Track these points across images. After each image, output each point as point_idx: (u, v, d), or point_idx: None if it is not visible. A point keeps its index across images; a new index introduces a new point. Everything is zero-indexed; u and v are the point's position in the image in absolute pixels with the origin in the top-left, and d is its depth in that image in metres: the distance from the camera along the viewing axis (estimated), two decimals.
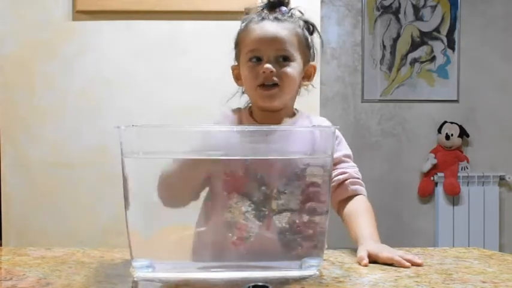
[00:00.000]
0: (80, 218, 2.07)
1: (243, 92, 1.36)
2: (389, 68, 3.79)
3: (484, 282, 0.98)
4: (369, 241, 1.16)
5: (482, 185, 3.76)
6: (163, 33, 2.08)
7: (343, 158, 1.32)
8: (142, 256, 1.01)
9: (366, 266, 1.08)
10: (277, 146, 1.01)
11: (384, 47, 3.79)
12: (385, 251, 1.11)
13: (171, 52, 2.10)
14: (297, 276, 1.01)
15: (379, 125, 3.81)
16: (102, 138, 2.05)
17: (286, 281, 0.99)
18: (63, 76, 2.07)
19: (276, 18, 1.27)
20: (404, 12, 3.80)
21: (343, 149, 1.34)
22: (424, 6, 3.81)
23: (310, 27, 1.33)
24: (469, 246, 1.32)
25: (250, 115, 1.33)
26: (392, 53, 3.80)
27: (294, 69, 1.27)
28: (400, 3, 3.79)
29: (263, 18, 1.28)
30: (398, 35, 3.80)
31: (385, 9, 3.79)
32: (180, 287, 0.98)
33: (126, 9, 2.06)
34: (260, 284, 0.89)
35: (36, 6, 2.06)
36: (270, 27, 1.26)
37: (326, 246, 1.10)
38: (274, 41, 1.24)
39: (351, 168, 1.33)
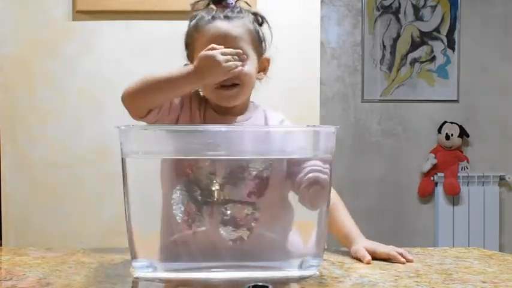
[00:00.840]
0: (80, 218, 2.06)
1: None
2: (389, 68, 3.79)
3: (484, 282, 0.98)
4: (360, 238, 1.22)
5: (482, 185, 3.76)
6: (163, 33, 2.08)
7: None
8: (143, 256, 1.01)
9: (369, 263, 1.12)
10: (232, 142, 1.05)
11: (384, 47, 3.79)
12: (380, 247, 1.17)
13: (171, 52, 2.09)
14: (297, 276, 1.01)
15: (379, 125, 3.81)
16: (103, 138, 2.04)
17: (286, 281, 0.99)
18: (63, 76, 2.07)
19: (227, 17, 1.27)
20: (404, 12, 3.80)
21: None
22: (424, 6, 3.81)
23: (259, 19, 1.33)
24: (469, 246, 1.32)
25: (206, 101, 1.31)
26: (392, 53, 3.80)
27: (250, 66, 1.26)
28: (400, 3, 3.79)
29: (214, 18, 1.27)
30: (398, 35, 3.80)
31: (385, 9, 3.79)
32: (180, 287, 0.98)
33: (126, 9, 2.06)
34: (260, 284, 0.89)
35: (36, 6, 2.05)
36: (222, 26, 1.25)
37: (326, 246, 1.10)
38: (228, 41, 1.23)
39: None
